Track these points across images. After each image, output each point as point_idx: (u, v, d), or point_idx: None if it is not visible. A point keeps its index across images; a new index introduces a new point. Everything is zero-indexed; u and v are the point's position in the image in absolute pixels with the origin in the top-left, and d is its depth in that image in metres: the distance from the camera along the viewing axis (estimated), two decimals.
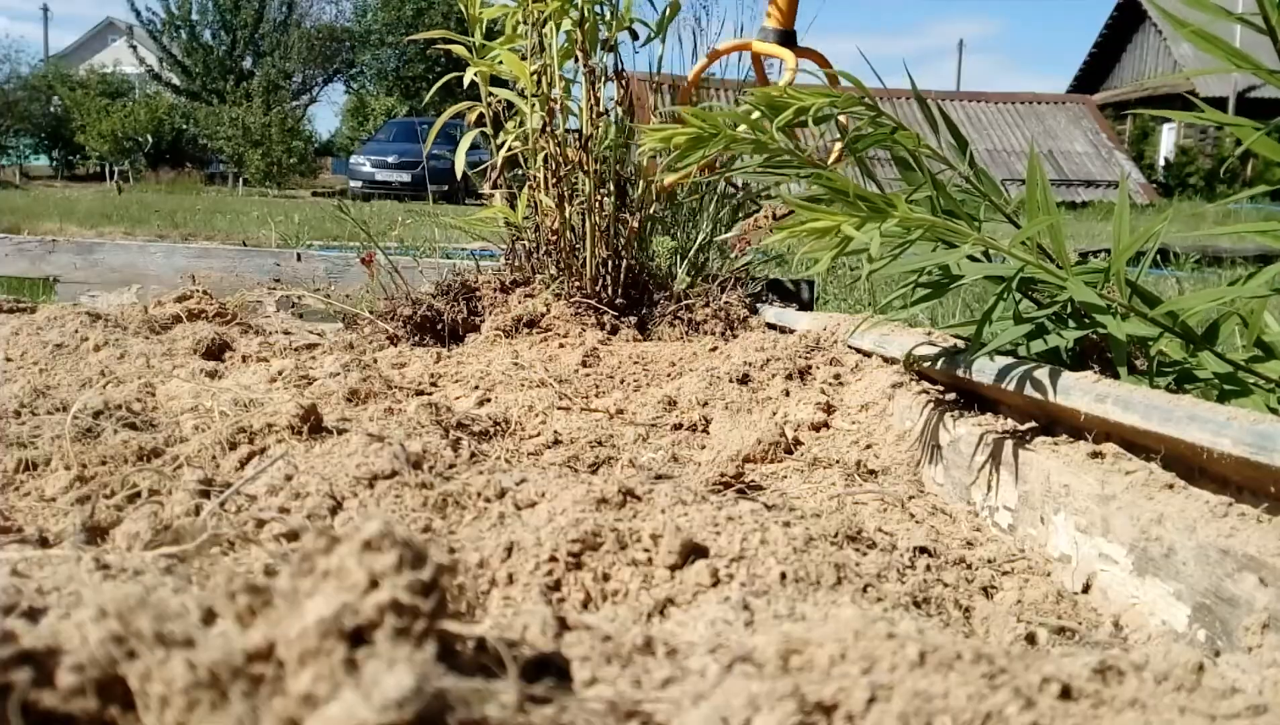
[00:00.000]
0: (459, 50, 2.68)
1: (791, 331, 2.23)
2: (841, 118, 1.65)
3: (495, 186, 2.74)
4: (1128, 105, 23.86)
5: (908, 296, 1.42)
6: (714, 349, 2.24)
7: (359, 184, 19.88)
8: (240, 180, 23.84)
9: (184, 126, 28.56)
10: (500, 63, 2.64)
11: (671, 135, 1.48)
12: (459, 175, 2.72)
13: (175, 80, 31.31)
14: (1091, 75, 28.89)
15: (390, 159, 20.33)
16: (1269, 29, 1.03)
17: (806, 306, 2.91)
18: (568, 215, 2.59)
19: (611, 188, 2.57)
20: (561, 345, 2.31)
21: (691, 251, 2.71)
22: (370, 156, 20.84)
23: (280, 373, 1.61)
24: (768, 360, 1.86)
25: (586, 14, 2.57)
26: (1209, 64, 1.11)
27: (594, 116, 2.57)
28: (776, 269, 3.16)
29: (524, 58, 2.57)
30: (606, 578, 0.80)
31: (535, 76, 2.57)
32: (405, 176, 19.38)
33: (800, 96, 1.38)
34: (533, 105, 2.58)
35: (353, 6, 34.17)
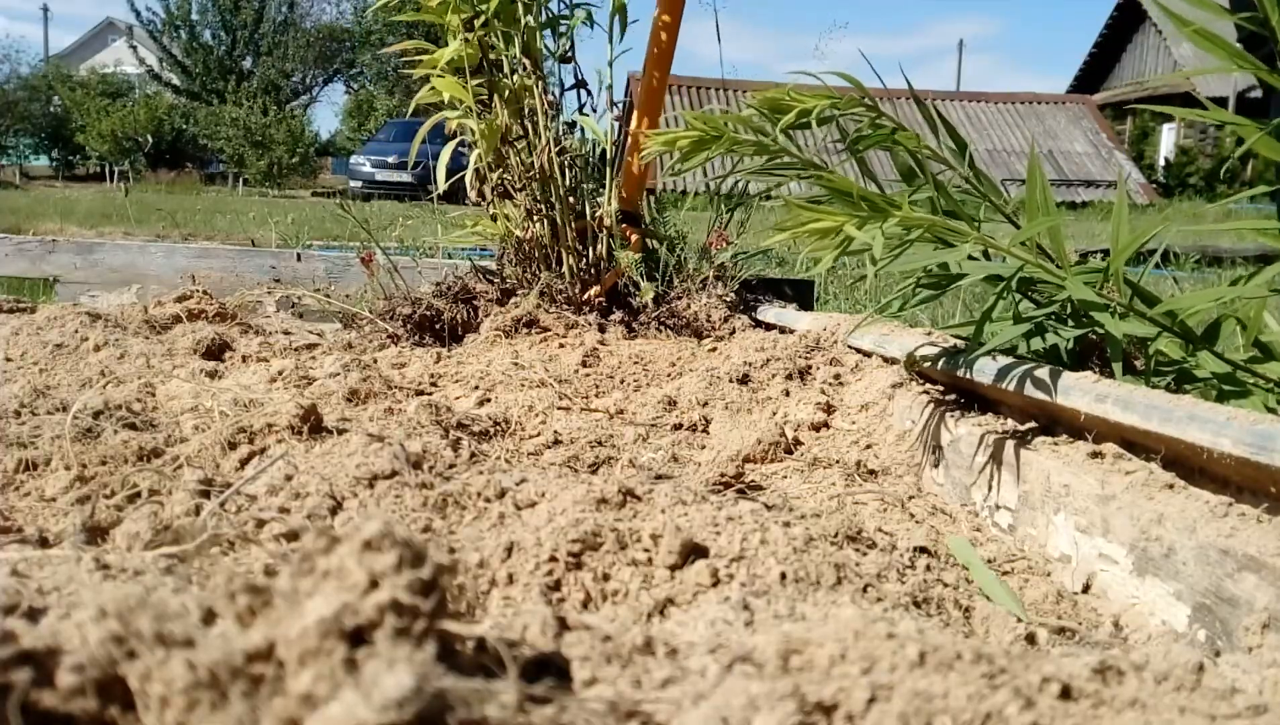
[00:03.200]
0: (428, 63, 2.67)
1: (791, 331, 2.23)
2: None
3: (481, 196, 2.75)
4: (1128, 105, 23.86)
5: (908, 296, 1.42)
6: (713, 350, 2.24)
7: (359, 184, 19.86)
8: (240, 180, 23.83)
9: (184, 126, 28.55)
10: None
11: (675, 138, 1.48)
12: (441, 186, 2.72)
13: (175, 80, 31.32)
14: (1091, 75, 28.89)
15: (390, 159, 20.32)
16: (1269, 29, 1.03)
17: (806, 306, 2.91)
18: (540, 224, 2.61)
19: (564, 192, 2.58)
20: (561, 345, 2.31)
21: (664, 253, 2.71)
22: (370, 157, 20.83)
23: (280, 373, 1.61)
24: (768, 360, 1.86)
25: (534, 20, 2.57)
26: (1209, 64, 1.10)
27: (548, 123, 2.58)
28: (778, 268, 3.16)
29: (474, 72, 2.57)
30: (606, 578, 0.80)
31: (487, 89, 2.57)
32: (405, 177, 19.37)
33: (802, 98, 1.39)
34: (486, 118, 2.57)
35: (353, 7, 34.15)
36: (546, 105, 2.59)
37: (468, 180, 2.74)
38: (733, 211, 2.81)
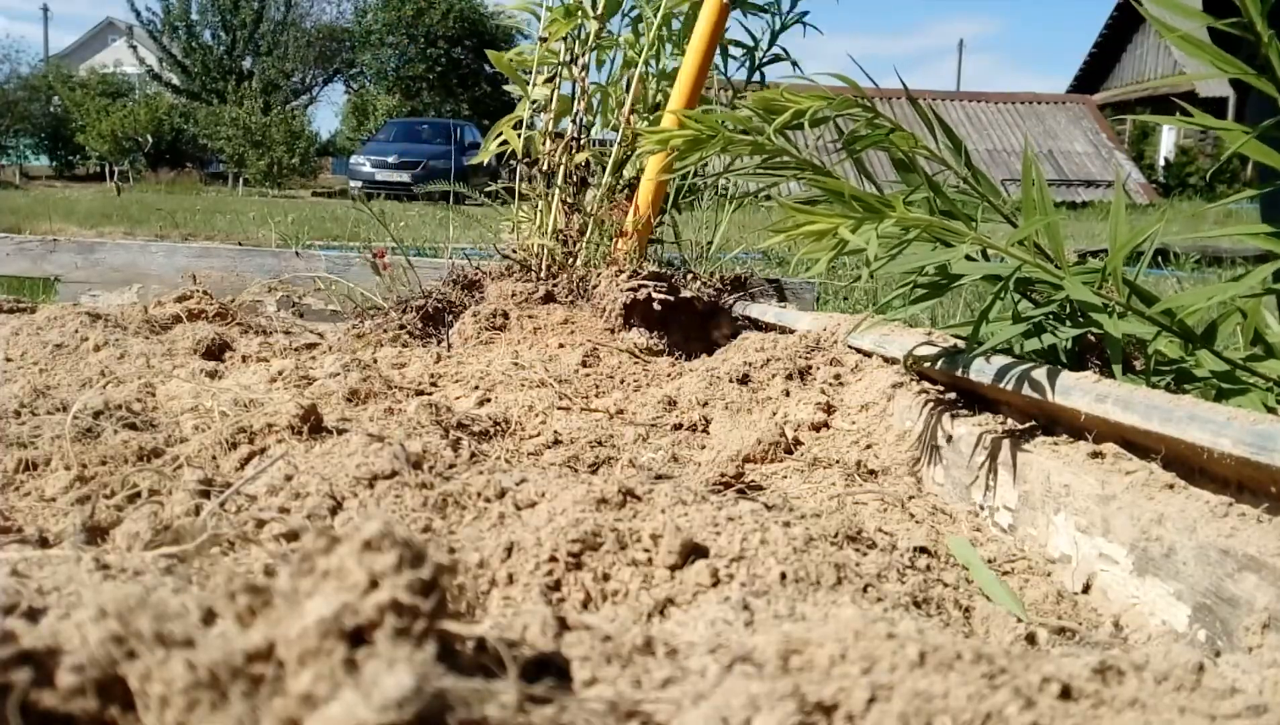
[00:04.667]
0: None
1: (791, 331, 2.23)
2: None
3: (522, 195, 2.84)
4: (1128, 105, 23.84)
5: (907, 297, 1.42)
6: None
7: (359, 184, 19.89)
8: (240, 180, 23.81)
9: (184, 126, 28.52)
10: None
11: (669, 137, 1.48)
12: (488, 155, 2.88)
13: (175, 80, 31.32)
14: (1091, 75, 28.88)
15: (390, 159, 20.34)
16: (1254, 34, 1.03)
17: (806, 306, 2.92)
18: (558, 220, 2.69)
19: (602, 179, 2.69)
20: (561, 345, 2.31)
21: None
22: (370, 157, 20.85)
23: (280, 373, 1.61)
24: (768, 360, 1.86)
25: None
26: (1199, 67, 1.11)
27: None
28: (778, 268, 3.17)
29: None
30: (606, 578, 0.80)
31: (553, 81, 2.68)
32: (405, 177, 19.38)
33: (797, 99, 1.39)
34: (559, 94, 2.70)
35: (353, 7, 34.26)
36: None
37: (514, 151, 2.84)
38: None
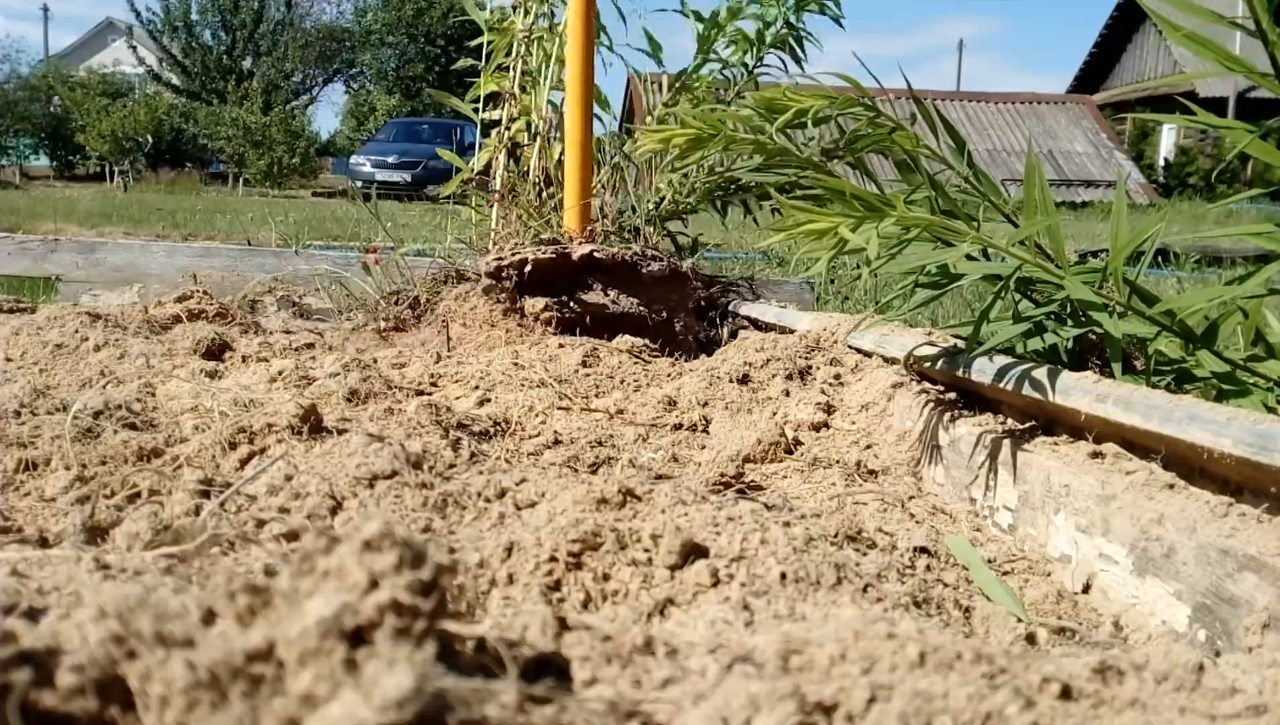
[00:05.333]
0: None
1: (791, 331, 2.23)
2: None
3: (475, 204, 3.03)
4: (1128, 105, 23.82)
5: (907, 296, 1.42)
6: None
7: (359, 184, 19.90)
8: (240, 180, 23.81)
9: (184, 126, 28.51)
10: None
11: (671, 136, 1.48)
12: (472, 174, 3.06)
13: (175, 80, 31.34)
14: (1091, 75, 28.87)
15: (390, 159, 20.34)
16: (1259, 33, 1.03)
17: (806, 306, 2.92)
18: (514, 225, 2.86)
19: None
20: (561, 345, 2.32)
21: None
22: (370, 157, 20.85)
23: (280, 373, 1.61)
24: (768, 360, 1.86)
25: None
26: (1205, 65, 1.11)
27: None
28: (778, 269, 3.18)
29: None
30: (606, 578, 0.80)
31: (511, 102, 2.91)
32: (405, 177, 19.39)
33: (800, 99, 1.39)
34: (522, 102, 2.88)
35: (353, 7, 34.36)
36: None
37: (491, 167, 2.99)
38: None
